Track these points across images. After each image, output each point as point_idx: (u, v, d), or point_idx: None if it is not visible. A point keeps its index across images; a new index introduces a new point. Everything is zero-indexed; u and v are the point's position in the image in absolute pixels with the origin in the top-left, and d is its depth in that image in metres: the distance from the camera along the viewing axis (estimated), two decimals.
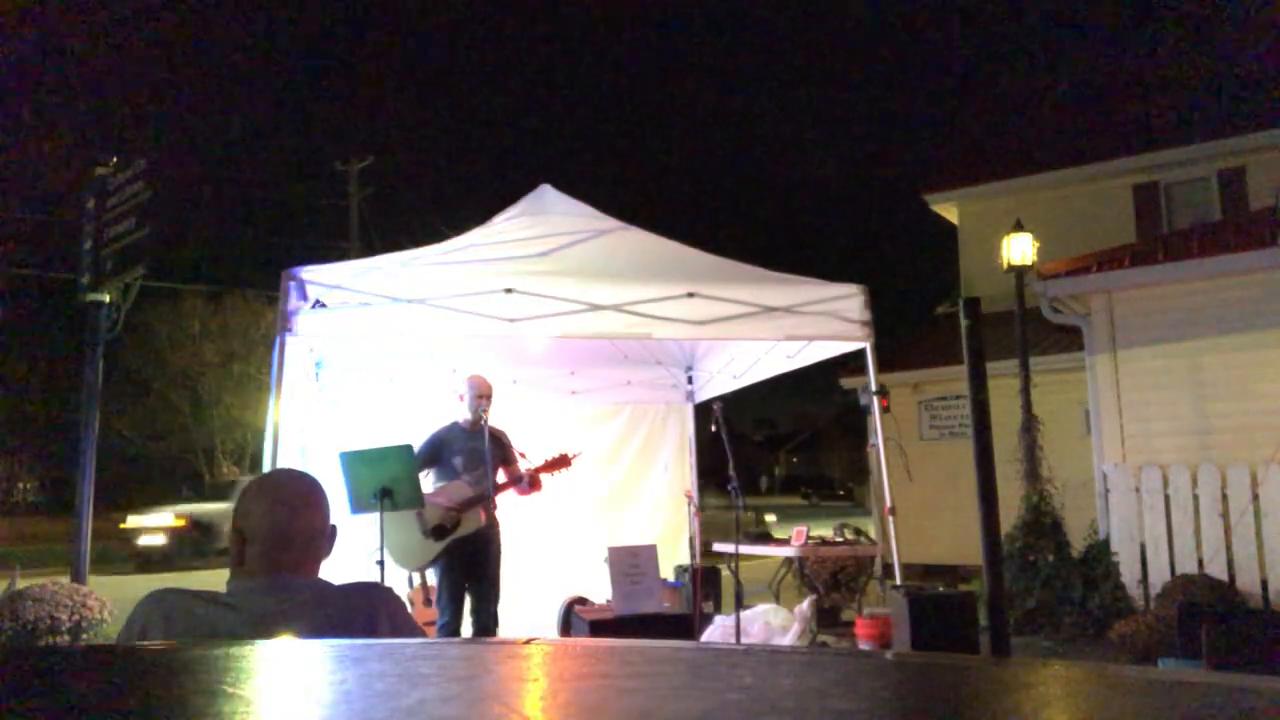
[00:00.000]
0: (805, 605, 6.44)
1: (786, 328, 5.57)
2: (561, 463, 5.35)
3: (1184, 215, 12.33)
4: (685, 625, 5.47)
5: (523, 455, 5.55)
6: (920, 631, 4.87)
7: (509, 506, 5.49)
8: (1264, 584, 6.75)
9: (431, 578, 5.61)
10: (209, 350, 23.06)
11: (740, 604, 5.86)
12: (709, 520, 8.28)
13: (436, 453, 5.37)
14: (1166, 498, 7.21)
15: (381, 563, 4.55)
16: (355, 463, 4.71)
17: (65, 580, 6.68)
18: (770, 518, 17.12)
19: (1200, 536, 7.04)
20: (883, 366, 5.89)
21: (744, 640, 5.76)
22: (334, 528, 1.91)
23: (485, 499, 5.14)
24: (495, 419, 5.35)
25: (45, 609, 6.23)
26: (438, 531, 5.18)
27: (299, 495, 1.87)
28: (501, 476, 5.31)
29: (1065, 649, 6.61)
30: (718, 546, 7.18)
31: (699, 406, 7.86)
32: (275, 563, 1.78)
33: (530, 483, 5.34)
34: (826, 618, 7.16)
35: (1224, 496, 6.97)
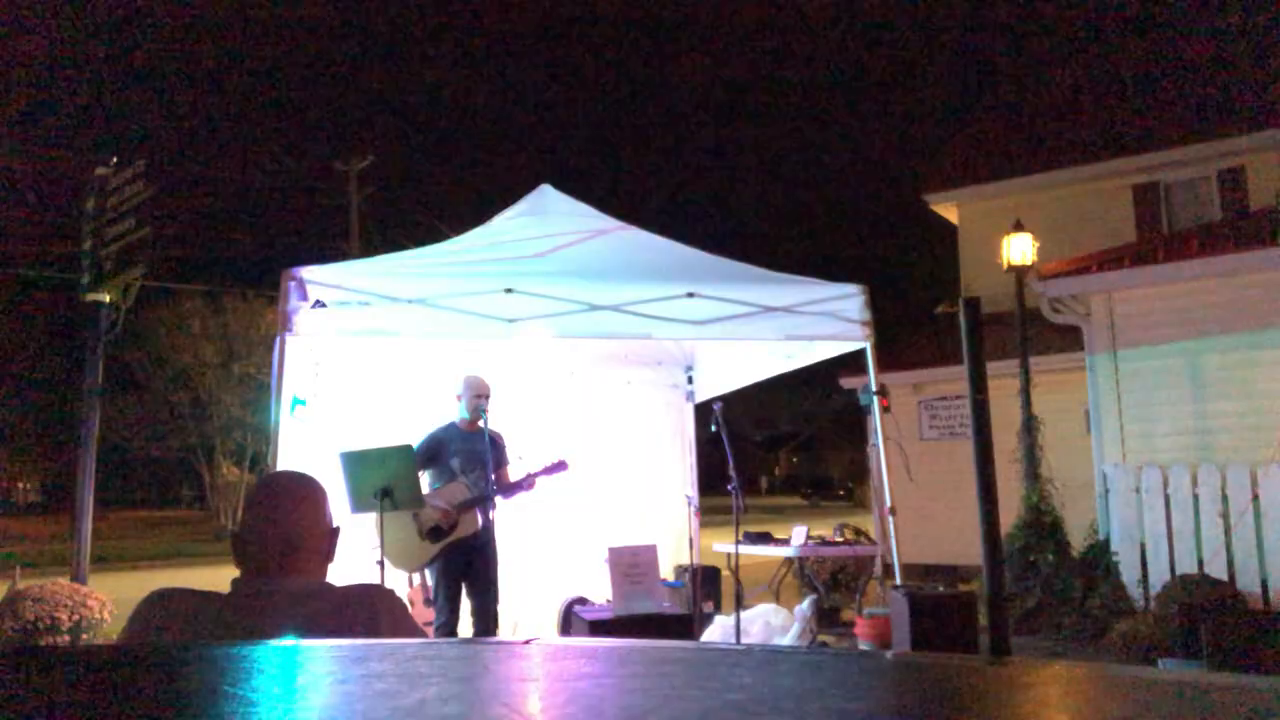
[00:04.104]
0: (805, 605, 6.44)
1: (786, 328, 5.57)
2: (559, 468, 5.35)
3: (1184, 215, 12.33)
4: (685, 625, 5.46)
5: (520, 458, 5.54)
6: (920, 631, 4.87)
7: (508, 507, 5.49)
8: (1264, 584, 6.75)
9: (430, 577, 5.61)
10: (209, 350, 23.05)
11: (740, 604, 5.86)
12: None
13: (433, 453, 5.36)
14: (1166, 498, 7.21)
15: (382, 563, 4.55)
16: (355, 463, 4.71)
17: (65, 580, 6.68)
18: None
19: (1200, 536, 7.04)
20: (883, 366, 5.89)
21: (744, 640, 5.76)
22: (336, 528, 1.91)
23: (483, 501, 5.14)
24: (494, 419, 5.34)
25: (45, 609, 6.23)
26: (434, 533, 5.17)
27: (298, 496, 1.87)
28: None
29: (1065, 649, 6.61)
30: (718, 546, 7.18)
31: (699, 406, 7.86)
32: (277, 563, 1.78)
33: (525, 486, 5.34)
34: (826, 618, 7.16)
35: (1224, 496, 6.97)
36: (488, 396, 5.36)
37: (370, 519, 4.68)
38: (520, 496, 5.36)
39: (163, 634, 1.67)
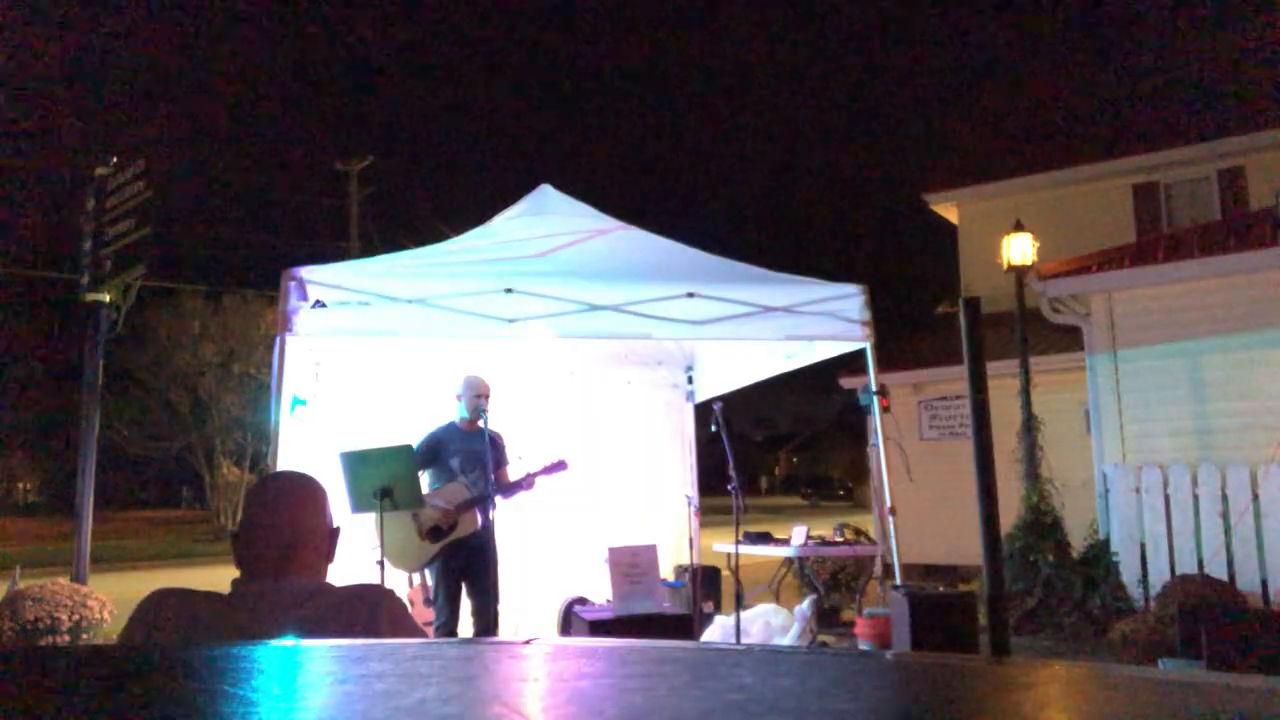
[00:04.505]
0: (805, 605, 6.45)
1: (786, 328, 5.57)
2: (558, 467, 5.34)
3: (1184, 215, 12.33)
4: (685, 625, 5.46)
5: (520, 457, 5.54)
6: (920, 631, 4.86)
7: (507, 507, 5.48)
8: (1264, 584, 6.75)
9: (430, 577, 5.61)
10: (209, 350, 23.03)
11: (740, 604, 5.86)
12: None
13: (433, 453, 5.36)
14: (1166, 498, 7.21)
15: (382, 563, 4.55)
16: (355, 463, 4.71)
17: (65, 580, 6.68)
18: None
19: (1200, 536, 7.04)
20: (883, 366, 5.89)
21: (744, 640, 5.76)
22: (336, 529, 1.91)
23: (483, 501, 5.13)
24: (494, 419, 5.34)
25: (45, 609, 6.23)
26: (434, 533, 5.17)
27: (298, 496, 1.87)
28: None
29: (1065, 649, 6.61)
30: (718, 546, 7.18)
31: (699, 406, 7.86)
32: (277, 563, 1.78)
33: (525, 486, 5.34)
34: (826, 618, 7.16)
35: (1224, 496, 6.97)
36: (488, 396, 5.36)
37: (370, 519, 4.68)
38: (520, 496, 5.36)
39: (163, 634, 1.67)
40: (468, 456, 5.28)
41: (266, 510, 1.83)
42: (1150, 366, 7.62)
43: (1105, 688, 0.88)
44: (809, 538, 7.02)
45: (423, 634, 2.50)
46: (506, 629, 5.92)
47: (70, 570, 6.85)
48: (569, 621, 6.38)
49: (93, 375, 6.99)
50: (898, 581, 5.53)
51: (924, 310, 15.48)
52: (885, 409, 5.71)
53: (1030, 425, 7.74)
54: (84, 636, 6.23)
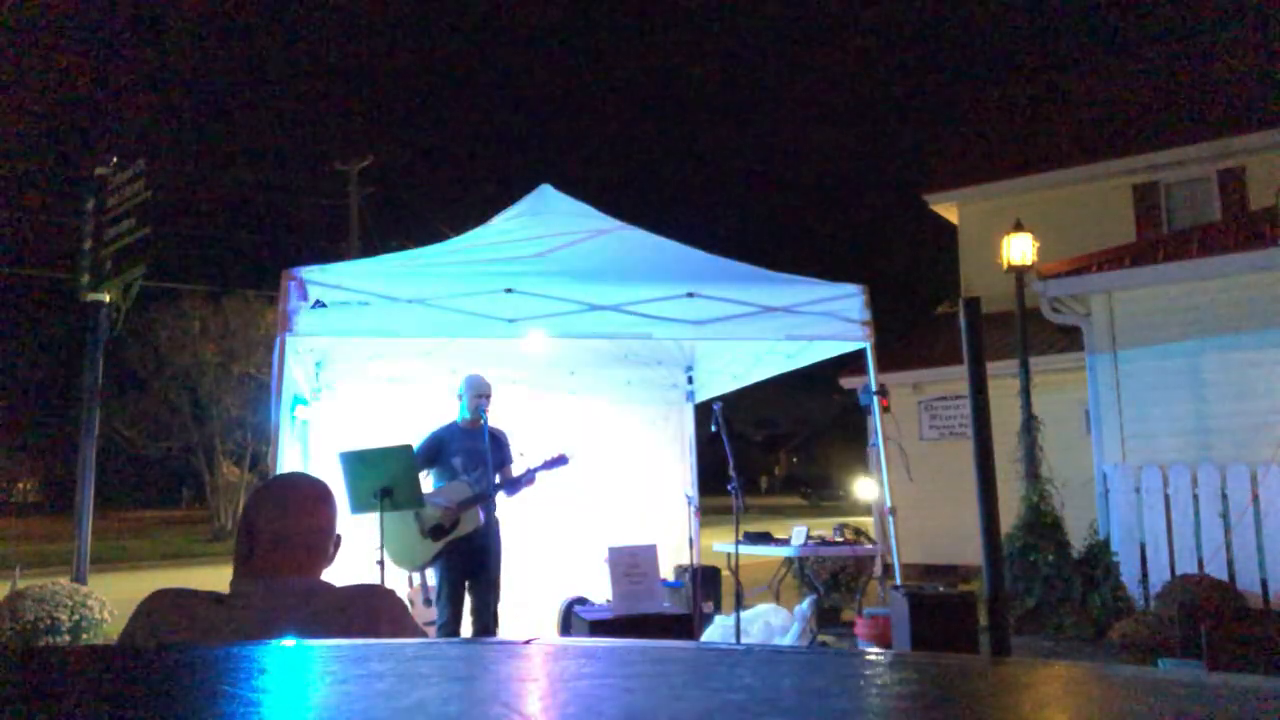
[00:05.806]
0: (805, 605, 6.45)
1: (786, 328, 5.57)
2: (560, 461, 5.35)
3: (1184, 215, 12.33)
4: (685, 625, 5.46)
5: (522, 454, 5.55)
6: (920, 631, 4.86)
7: (508, 506, 5.49)
8: (1264, 584, 6.76)
9: (431, 577, 5.62)
10: (209, 350, 23.03)
11: (740, 604, 5.86)
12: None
13: (435, 452, 5.37)
14: (1166, 498, 7.22)
15: (382, 563, 4.56)
16: (355, 463, 4.71)
17: (65, 580, 6.68)
18: None
19: (1200, 536, 7.04)
20: (883, 366, 5.88)
21: (744, 640, 5.76)
22: (339, 537, 1.90)
23: (484, 499, 5.14)
24: (495, 418, 5.35)
25: (45, 609, 6.23)
26: (435, 531, 5.18)
27: (305, 498, 1.87)
28: (497, 479, 5.31)
29: (1065, 649, 6.61)
30: (718, 546, 7.18)
31: (699, 406, 7.86)
32: (278, 564, 1.78)
33: (526, 481, 5.35)
34: (826, 618, 7.16)
35: (1224, 496, 6.97)
36: (489, 396, 5.37)
37: (372, 518, 4.68)
38: (520, 494, 5.38)
39: (162, 634, 1.67)
40: (469, 455, 5.29)
41: (274, 511, 1.83)
42: (1150, 366, 7.62)
43: (1105, 688, 0.88)
44: (809, 538, 7.02)
45: (423, 634, 2.50)
46: (507, 628, 5.92)
47: (70, 570, 6.85)
48: (569, 621, 6.37)
49: (93, 375, 6.99)
50: (898, 581, 5.53)
51: (924, 310, 15.48)
52: (885, 409, 5.71)
53: (1030, 425, 7.74)
54: (84, 636, 6.23)
